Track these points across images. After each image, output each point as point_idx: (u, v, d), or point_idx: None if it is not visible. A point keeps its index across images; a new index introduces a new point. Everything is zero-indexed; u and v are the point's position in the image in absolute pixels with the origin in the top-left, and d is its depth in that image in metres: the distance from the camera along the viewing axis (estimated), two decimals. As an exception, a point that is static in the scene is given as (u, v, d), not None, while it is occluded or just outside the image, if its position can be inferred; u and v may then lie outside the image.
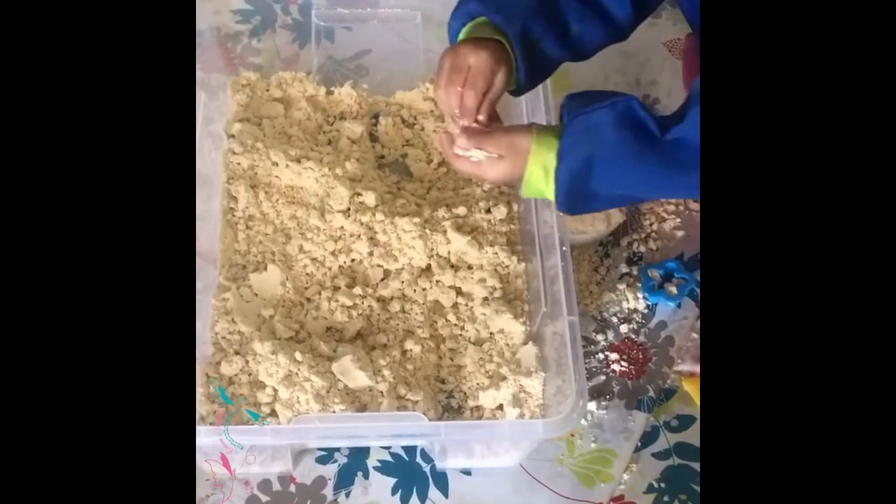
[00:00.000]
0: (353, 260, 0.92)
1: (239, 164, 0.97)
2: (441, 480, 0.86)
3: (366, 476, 0.86)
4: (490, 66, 0.77)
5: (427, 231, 0.92)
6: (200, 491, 0.84)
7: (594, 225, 0.98)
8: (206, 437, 0.73)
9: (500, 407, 0.84)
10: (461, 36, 0.80)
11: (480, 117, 0.78)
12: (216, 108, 0.99)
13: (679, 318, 0.96)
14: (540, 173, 0.75)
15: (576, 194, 0.75)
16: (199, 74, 0.94)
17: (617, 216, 1.00)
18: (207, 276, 0.91)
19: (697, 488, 0.85)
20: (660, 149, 0.72)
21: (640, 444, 0.89)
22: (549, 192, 0.75)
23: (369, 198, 0.94)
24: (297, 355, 0.83)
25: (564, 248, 0.81)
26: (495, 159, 0.76)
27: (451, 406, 0.87)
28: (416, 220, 0.92)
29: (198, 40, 0.94)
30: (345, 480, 0.86)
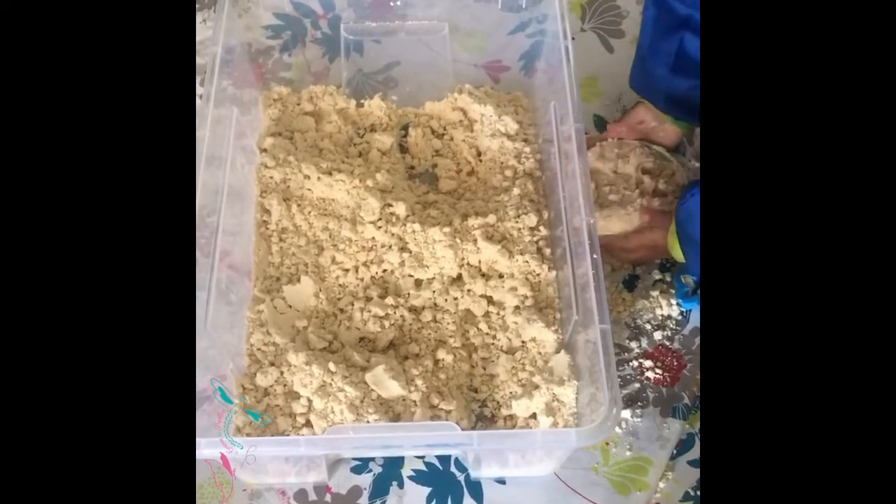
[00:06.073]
0: (384, 270, 0.93)
1: (272, 177, 0.99)
2: (475, 489, 0.86)
3: (400, 485, 0.86)
4: None
5: (457, 240, 0.92)
6: (238, 502, 0.85)
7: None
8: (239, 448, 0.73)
9: (534, 416, 0.84)
10: None
11: None
12: (248, 122, 1.01)
13: (713, 324, 0.96)
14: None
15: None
16: (231, 90, 0.96)
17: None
18: (242, 289, 0.92)
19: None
20: None
21: (675, 451, 0.89)
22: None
23: (400, 208, 0.94)
24: (331, 366, 0.83)
25: (595, 256, 0.81)
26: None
27: (484, 415, 0.87)
28: (447, 229, 0.92)
29: (229, 56, 0.95)
30: (380, 490, 0.86)
